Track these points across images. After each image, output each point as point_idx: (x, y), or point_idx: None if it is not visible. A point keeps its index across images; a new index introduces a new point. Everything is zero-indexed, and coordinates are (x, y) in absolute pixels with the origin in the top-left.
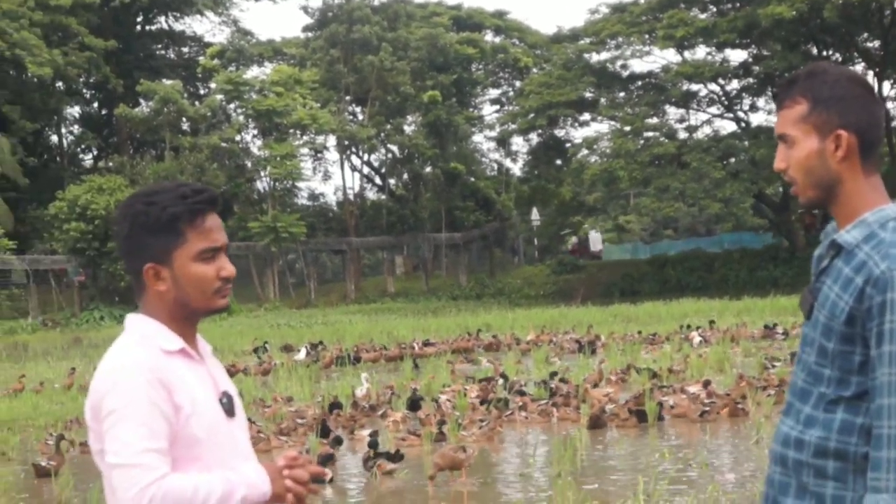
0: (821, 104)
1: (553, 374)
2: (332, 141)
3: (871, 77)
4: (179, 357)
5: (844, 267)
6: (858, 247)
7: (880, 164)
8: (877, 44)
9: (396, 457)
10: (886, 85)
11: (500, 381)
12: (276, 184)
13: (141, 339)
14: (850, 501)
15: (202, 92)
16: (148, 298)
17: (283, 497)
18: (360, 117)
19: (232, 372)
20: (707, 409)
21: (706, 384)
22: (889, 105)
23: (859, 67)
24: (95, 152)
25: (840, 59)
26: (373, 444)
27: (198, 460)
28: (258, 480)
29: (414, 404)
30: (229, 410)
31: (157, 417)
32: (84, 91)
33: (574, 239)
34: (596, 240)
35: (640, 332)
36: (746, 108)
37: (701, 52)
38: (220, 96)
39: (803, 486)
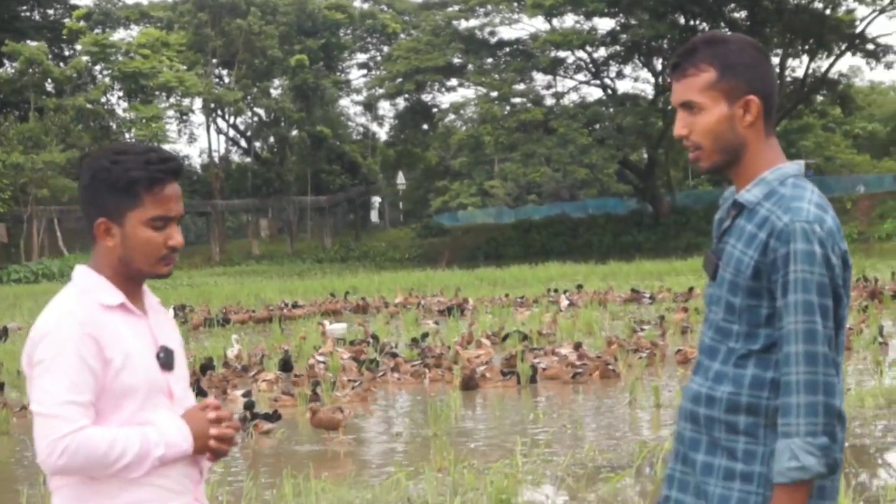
0: (730, 71)
1: (424, 336)
2: (198, 104)
3: None
4: (119, 311)
5: (747, 224)
6: (760, 204)
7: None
8: (743, 14)
9: (273, 417)
10: None
11: (371, 342)
12: None
13: (81, 291)
14: (761, 455)
15: (67, 54)
16: (97, 251)
17: (204, 453)
18: (227, 80)
19: None
20: (579, 370)
21: (577, 346)
22: None
23: None
24: None
25: (707, 28)
26: (249, 405)
27: (120, 411)
28: (179, 439)
29: (286, 365)
30: (166, 364)
31: (82, 371)
32: None
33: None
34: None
35: (507, 295)
36: (613, 75)
37: (569, 20)
38: (85, 58)
39: (715, 441)
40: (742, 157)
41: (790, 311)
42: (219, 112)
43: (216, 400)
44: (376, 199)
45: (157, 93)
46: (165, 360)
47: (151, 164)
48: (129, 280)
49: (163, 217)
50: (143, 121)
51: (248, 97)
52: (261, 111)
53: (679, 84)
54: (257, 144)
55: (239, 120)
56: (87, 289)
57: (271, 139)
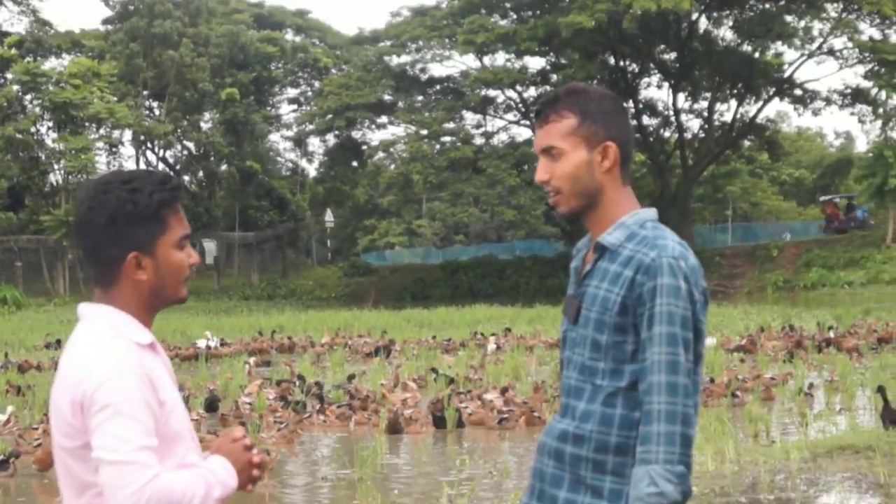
0: (589, 118)
1: (350, 378)
2: (127, 136)
3: (666, 88)
4: (149, 351)
5: (611, 265)
6: (622, 246)
7: (631, 177)
8: (673, 56)
9: None
10: (681, 97)
11: (298, 383)
12: (70, 177)
13: (115, 332)
14: (626, 495)
15: None
16: (119, 289)
17: (245, 486)
18: (158, 113)
19: (25, 368)
20: (505, 416)
21: (504, 391)
22: (683, 117)
23: (655, 79)
24: None
25: (637, 69)
26: None
27: (173, 456)
28: (227, 478)
29: (211, 405)
30: (185, 401)
31: (148, 415)
32: None
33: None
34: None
35: (434, 338)
36: None
37: (500, 58)
38: (16, 87)
39: (579, 479)
40: (599, 202)
41: (654, 343)
42: (148, 144)
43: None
44: (211, 245)
45: (87, 124)
46: (184, 397)
47: (166, 185)
48: (152, 313)
49: (186, 235)
50: (73, 152)
51: (178, 130)
52: (190, 145)
53: (541, 130)
54: (186, 178)
55: (168, 153)
56: (118, 328)
57: (200, 173)
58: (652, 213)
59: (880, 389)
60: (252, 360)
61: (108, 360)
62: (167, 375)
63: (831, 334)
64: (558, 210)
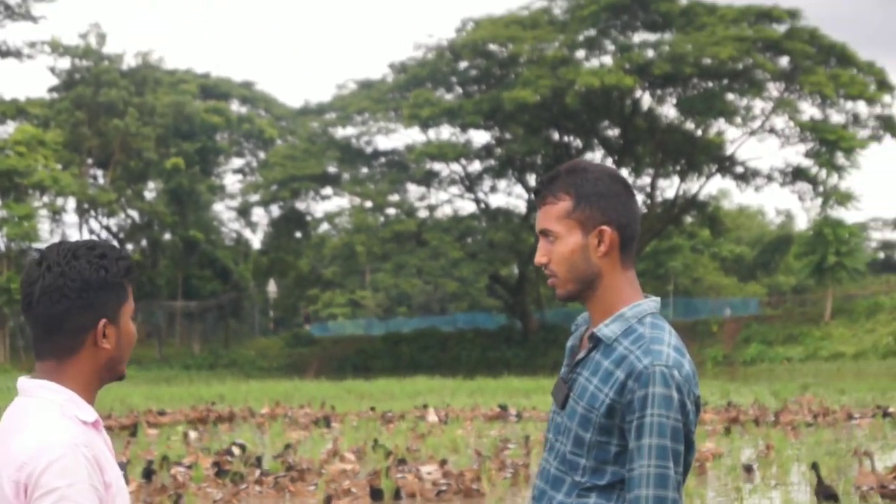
0: (584, 201)
1: (287, 447)
2: (71, 203)
3: (609, 164)
4: (93, 429)
5: (604, 360)
6: (617, 341)
7: (636, 260)
8: (617, 132)
9: None
10: (624, 172)
11: (237, 453)
12: (13, 244)
13: (60, 410)
14: None
15: None
16: (77, 360)
17: None
18: (102, 181)
19: None
20: (443, 488)
21: (442, 463)
22: None
23: (599, 155)
24: None
25: (581, 145)
26: None
27: None
28: None
29: (148, 474)
30: (125, 480)
31: (94, 499)
32: None
33: None
34: None
35: (373, 409)
36: (487, 189)
37: (445, 131)
38: None
39: None
40: (597, 287)
41: (643, 455)
42: (92, 213)
43: None
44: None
45: (30, 191)
46: (125, 476)
47: (124, 255)
48: (97, 387)
49: (134, 307)
50: (16, 219)
51: (122, 199)
52: (134, 213)
53: (540, 211)
54: (130, 247)
55: (112, 221)
56: (63, 406)
57: (144, 242)
58: (653, 304)
59: (814, 466)
60: (190, 429)
61: (54, 441)
62: (110, 455)
63: (768, 410)
64: (557, 293)
